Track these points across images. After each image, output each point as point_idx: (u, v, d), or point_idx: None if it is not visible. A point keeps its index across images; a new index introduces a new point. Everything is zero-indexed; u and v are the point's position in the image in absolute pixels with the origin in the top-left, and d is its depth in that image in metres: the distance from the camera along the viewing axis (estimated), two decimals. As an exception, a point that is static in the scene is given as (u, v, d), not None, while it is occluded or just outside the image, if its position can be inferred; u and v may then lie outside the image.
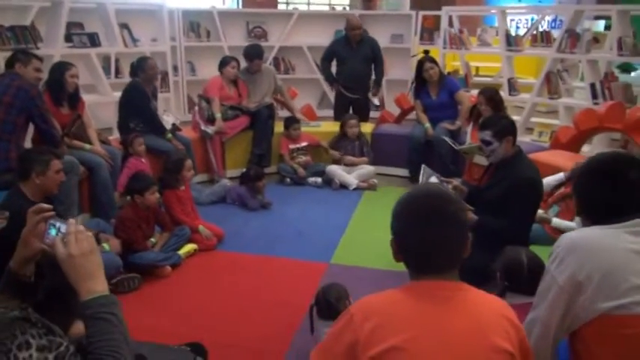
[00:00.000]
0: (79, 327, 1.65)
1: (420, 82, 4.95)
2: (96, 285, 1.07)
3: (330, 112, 7.00)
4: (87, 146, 3.88)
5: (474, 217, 2.99)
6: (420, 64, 4.89)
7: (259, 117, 4.96)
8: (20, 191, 2.72)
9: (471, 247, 2.99)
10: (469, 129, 4.47)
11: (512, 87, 6.23)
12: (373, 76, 5.62)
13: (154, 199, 3.18)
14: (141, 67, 4.46)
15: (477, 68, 8.32)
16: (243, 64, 5.27)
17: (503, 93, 6.26)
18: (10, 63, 3.45)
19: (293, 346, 2.50)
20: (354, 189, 4.76)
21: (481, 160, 4.18)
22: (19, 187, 2.74)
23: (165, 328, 2.61)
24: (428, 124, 4.87)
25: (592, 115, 4.44)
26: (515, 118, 5.16)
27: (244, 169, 4.51)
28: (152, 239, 3.28)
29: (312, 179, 4.90)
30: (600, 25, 9.63)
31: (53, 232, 1.17)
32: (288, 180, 4.88)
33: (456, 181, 3.34)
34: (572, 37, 5.66)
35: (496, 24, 9.13)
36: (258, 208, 4.23)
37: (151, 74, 4.50)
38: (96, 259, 1.09)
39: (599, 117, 4.32)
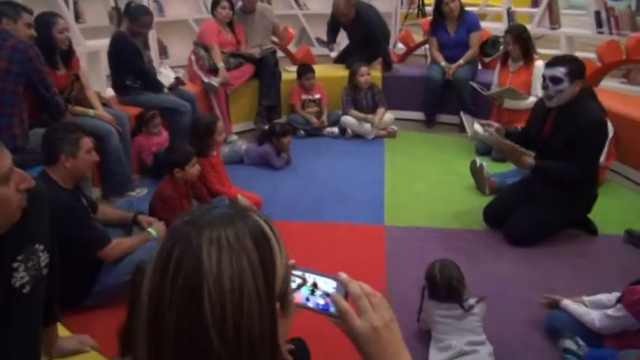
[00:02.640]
0: None
1: (438, 16, 4.61)
2: None
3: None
4: (91, 112, 3.37)
5: (531, 162, 2.85)
6: None
7: (265, 64, 4.50)
8: (50, 179, 2.29)
9: (539, 203, 2.87)
10: (496, 70, 4.23)
11: (511, 17, 6.00)
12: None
13: (195, 171, 2.80)
14: (133, 15, 3.85)
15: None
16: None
17: (501, 24, 6.07)
18: (-7, 19, 2.85)
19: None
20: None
21: (512, 104, 3.98)
22: (46, 173, 2.30)
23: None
24: (444, 63, 4.59)
25: (617, 48, 4.32)
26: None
27: (265, 126, 4.13)
28: (193, 215, 2.94)
29: (327, 130, 4.59)
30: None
31: (304, 289, 0.86)
32: (301, 132, 4.54)
33: (496, 124, 3.19)
34: (576, -39, 5.44)
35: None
36: (284, 167, 3.92)
37: (145, 23, 3.91)
38: (397, 328, 0.82)
39: (627, 50, 4.20)
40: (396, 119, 4.83)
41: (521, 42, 3.95)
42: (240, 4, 4.76)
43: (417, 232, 3.10)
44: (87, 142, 2.30)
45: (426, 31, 5.23)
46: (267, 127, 4.06)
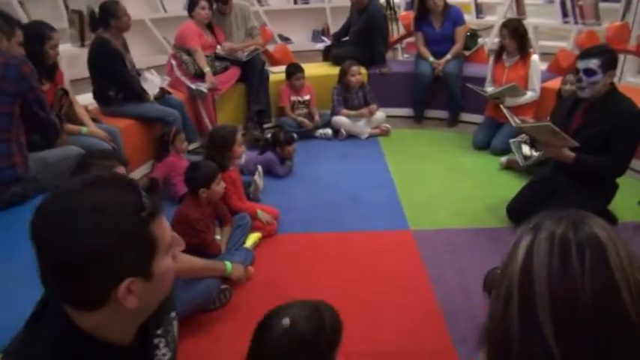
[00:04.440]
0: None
1: (422, 11, 4.57)
2: None
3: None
4: (83, 129, 3.07)
5: (571, 155, 2.85)
6: None
7: (253, 67, 4.29)
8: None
9: (565, 197, 2.87)
10: (490, 65, 4.23)
11: (479, 9, 6.09)
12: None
13: (221, 189, 2.59)
14: (112, 12, 3.52)
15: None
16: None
17: (470, 16, 6.14)
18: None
19: (464, 340, 2.23)
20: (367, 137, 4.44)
21: (510, 101, 3.98)
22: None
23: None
24: (432, 59, 4.57)
25: (595, 38, 4.46)
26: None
27: (256, 131, 3.94)
28: (217, 236, 2.74)
29: (320, 131, 4.45)
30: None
31: None
32: (295, 135, 4.36)
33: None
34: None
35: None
36: (287, 175, 3.75)
37: (126, 22, 3.60)
38: None
39: (607, 39, 4.34)
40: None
41: (518, 36, 3.94)
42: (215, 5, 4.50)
43: (444, 235, 3.05)
44: (122, 170, 2.06)
45: (407, 25, 5.20)
46: (269, 135, 3.87)
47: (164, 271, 0.88)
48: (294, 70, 4.38)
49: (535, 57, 3.98)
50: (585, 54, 2.78)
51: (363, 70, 4.58)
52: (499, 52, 4.11)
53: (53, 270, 0.80)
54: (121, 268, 0.81)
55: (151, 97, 3.72)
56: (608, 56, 2.72)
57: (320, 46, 5.11)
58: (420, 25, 4.64)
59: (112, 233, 0.79)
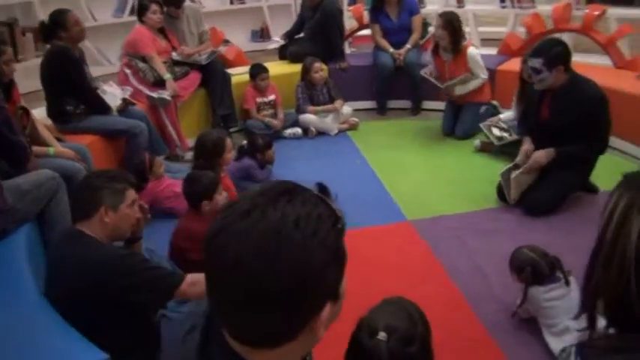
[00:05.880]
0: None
1: (378, 2, 4.57)
2: None
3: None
4: (51, 150, 2.78)
5: (550, 152, 2.95)
6: None
7: (214, 70, 4.11)
8: (84, 235, 1.79)
9: (552, 174, 2.97)
10: (429, 55, 4.27)
11: (420, -1, 6.20)
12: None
13: (223, 198, 2.44)
14: (60, 23, 3.23)
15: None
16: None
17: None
18: None
19: (496, 324, 2.23)
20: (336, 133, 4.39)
21: (462, 89, 4.08)
22: (78, 231, 1.81)
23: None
24: (392, 49, 4.58)
25: (540, 20, 4.66)
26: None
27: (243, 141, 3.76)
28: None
29: (289, 131, 4.34)
30: None
31: None
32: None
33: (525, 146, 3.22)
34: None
35: None
36: (267, 178, 3.61)
37: (78, 32, 3.31)
38: None
39: (554, 20, 4.54)
40: (349, 111, 4.73)
41: (450, 28, 3.94)
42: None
43: (443, 221, 3.06)
44: (132, 194, 1.86)
45: (359, 18, 5.19)
46: (244, 142, 3.68)
47: (344, 291, 0.77)
48: (258, 71, 4.23)
49: (471, 49, 4.02)
50: (533, 52, 2.88)
51: (323, 65, 4.52)
52: (435, 48, 4.12)
53: (246, 302, 0.66)
54: (325, 291, 0.70)
55: (114, 111, 3.46)
56: (553, 53, 2.79)
57: (273, 46, 5.00)
58: (376, 16, 4.64)
59: (320, 250, 0.67)
